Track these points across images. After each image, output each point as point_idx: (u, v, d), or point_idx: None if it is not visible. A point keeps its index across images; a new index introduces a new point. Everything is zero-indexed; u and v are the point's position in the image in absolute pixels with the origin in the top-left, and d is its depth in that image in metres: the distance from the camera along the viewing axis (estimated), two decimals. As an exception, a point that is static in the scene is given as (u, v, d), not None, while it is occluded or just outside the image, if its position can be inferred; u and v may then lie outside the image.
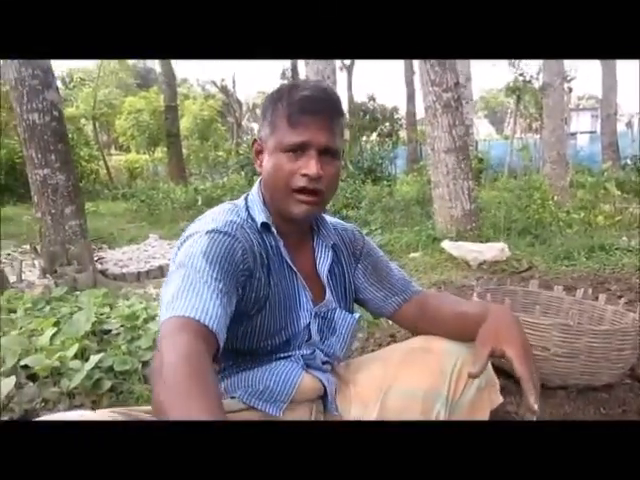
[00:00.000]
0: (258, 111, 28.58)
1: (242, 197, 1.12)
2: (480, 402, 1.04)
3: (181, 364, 0.70)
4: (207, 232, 0.94)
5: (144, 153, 20.19)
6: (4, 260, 4.72)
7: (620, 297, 2.20)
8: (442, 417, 1.01)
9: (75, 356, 1.87)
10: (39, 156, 3.68)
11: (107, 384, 1.84)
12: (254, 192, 1.10)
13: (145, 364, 2.07)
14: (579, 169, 9.26)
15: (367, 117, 16.81)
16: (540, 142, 10.41)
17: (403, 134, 17.41)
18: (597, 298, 1.77)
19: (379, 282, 1.16)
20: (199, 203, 6.94)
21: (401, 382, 1.04)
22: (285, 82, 1.23)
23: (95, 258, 4.39)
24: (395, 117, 17.91)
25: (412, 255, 3.98)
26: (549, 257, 3.74)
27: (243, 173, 7.77)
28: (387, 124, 17.69)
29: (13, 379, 1.62)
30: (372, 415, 1.04)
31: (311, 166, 0.97)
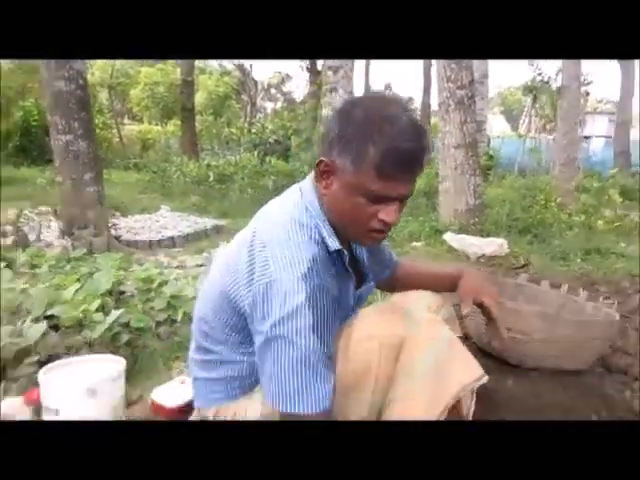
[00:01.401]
0: (273, 91, 28.46)
1: (297, 199, 1.10)
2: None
3: None
4: (307, 299, 0.95)
5: (157, 125, 20.26)
6: (21, 220, 4.89)
7: (607, 298, 2.32)
8: None
9: (96, 310, 2.04)
10: (63, 122, 3.82)
11: (125, 337, 2.01)
12: (314, 204, 1.08)
13: (159, 324, 2.24)
14: (589, 173, 9.31)
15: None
16: (552, 143, 10.43)
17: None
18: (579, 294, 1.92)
19: (377, 256, 1.33)
20: (210, 179, 7.08)
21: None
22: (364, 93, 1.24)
23: (109, 224, 4.56)
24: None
25: (414, 244, 4.12)
26: (546, 256, 3.87)
27: (255, 152, 7.89)
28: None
29: (44, 325, 1.79)
30: None
31: (392, 215, 1.00)
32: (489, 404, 1.60)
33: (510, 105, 32.47)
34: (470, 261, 3.65)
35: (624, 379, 1.71)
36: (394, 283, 1.41)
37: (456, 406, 1.10)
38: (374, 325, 1.11)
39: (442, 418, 1.06)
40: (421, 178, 7.73)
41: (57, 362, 1.52)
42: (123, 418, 1.47)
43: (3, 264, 2.58)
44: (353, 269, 1.18)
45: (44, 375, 1.39)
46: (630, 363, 1.86)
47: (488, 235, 4.29)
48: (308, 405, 0.95)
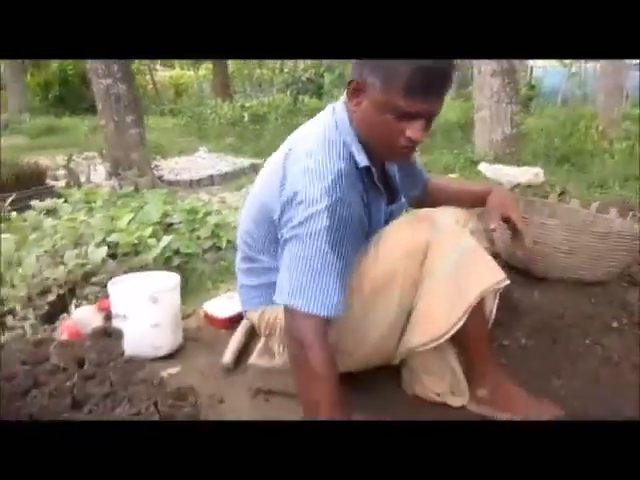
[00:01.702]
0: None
1: (330, 118, 1.15)
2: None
3: (330, 374, 1.02)
4: (326, 207, 1.02)
5: (188, 70, 20.10)
6: (71, 165, 5.16)
7: (642, 220, 2.32)
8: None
9: (149, 237, 2.23)
10: (102, 66, 3.94)
11: (176, 261, 2.21)
12: (345, 122, 1.13)
13: (205, 251, 2.42)
14: (638, 102, 8.80)
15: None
16: (598, 71, 9.83)
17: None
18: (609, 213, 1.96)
19: (409, 173, 1.41)
20: (245, 120, 7.14)
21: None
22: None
23: (151, 166, 4.75)
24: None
25: (449, 176, 4.14)
26: (584, 185, 3.83)
27: (288, 92, 7.85)
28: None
29: (105, 248, 1.99)
30: None
31: (418, 133, 1.05)
32: (515, 313, 1.72)
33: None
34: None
35: (647, 290, 1.78)
36: (425, 199, 1.48)
37: (479, 307, 1.18)
38: (401, 233, 1.19)
39: (464, 318, 1.14)
40: (455, 110, 7.54)
41: (123, 276, 1.72)
42: (181, 326, 1.67)
43: (61, 200, 2.80)
44: (384, 186, 1.25)
45: (113, 286, 1.59)
46: (657, 277, 1.92)
47: (525, 165, 4.24)
48: (305, 303, 1.03)
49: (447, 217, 1.21)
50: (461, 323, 1.13)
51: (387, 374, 1.36)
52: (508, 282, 1.21)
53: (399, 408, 1.29)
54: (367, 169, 1.15)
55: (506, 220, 1.33)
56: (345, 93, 1.15)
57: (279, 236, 1.15)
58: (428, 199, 1.47)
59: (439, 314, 1.15)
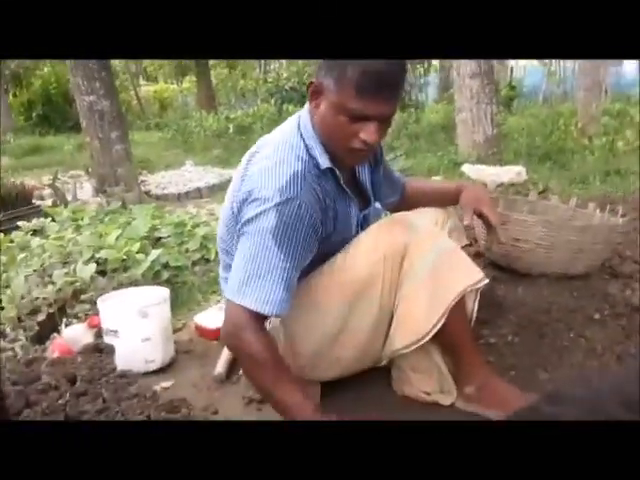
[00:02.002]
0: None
1: (294, 124, 1.16)
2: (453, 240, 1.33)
3: (268, 357, 1.02)
4: (276, 205, 1.02)
5: (172, 83, 20.12)
6: (56, 184, 5.15)
7: (623, 215, 2.36)
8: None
9: (137, 252, 2.24)
10: (85, 83, 3.95)
11: (165, 275, 2.22)
12: (307, 126, 1.14)
13: (194, 263, 2.44)
14: (619, 97, 8.95)
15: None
16: (577, 68, 9.99)
17: (436, 61, 16.77)
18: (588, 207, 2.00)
19: (389, 179, 1.44)
20: (230, 131, 7.17)
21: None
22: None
23: (138, 181, 4.76)
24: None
25: (433, 178, 4.18)
26: (565, 181, 3.89)
27: (272, 101, 7.90)
28: (419, 50, 17.03)
29: (94, 265, 2.00)
30: None
31: (371, 135, 1.04)
32: (499, 309, 1.75)
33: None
34: (488, 190, 3.71)
35: (628, 282, 1.82)
36: (403, 203, 1.49)
37: (460, 306, 1.19)
38: (379, 236, 1.18)
39: (444, 318, 1.15)
40: (438, 113, 7.63)
41: (112, 292, 1.73)
42: (172, 339, 1.68)
43: (48, 220, 2.81)
44: (355, 191, 1.25)
45: (102, 302, 1.60)
46: (636, 269, 1.96)
47: (507, 164, 4.31)
48: (243, 297, 1.03)
49: (423, 218, 1.22)
50: (441, 323, 1.14)
51: (378, 374, 1.38)
52: (487, 281, 1.23)
53: (389, 408, 1.32)
54: (331, 171, 1.15)
55: (479, 215, 1.35)
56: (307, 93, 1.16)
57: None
58: (406, 203, 1.48)
59: (419, 315, 1.16)
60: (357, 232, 1.26)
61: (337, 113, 1.05)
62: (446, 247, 1.18)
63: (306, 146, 1.12)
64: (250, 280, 1.03)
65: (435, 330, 1.15)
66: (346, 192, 1.21)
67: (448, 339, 1.22)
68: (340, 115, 1.05)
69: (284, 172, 1.06)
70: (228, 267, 1.29)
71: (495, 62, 4.83)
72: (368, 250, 1.17)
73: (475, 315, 1.30)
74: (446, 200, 1.42)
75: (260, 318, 1.05)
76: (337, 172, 1.15)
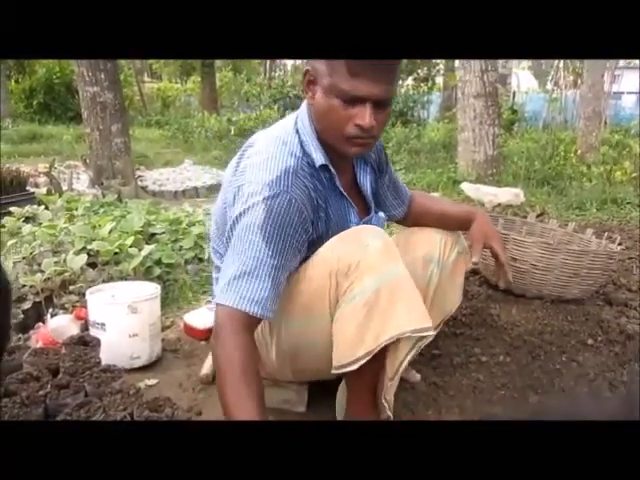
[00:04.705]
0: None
1: (291, 120, 1.13)
2: (459, 263, 1.31)
3: (235, 364, 0.90)
4: (264, 199, 0.97)
5: (176, 82, 20.16)
6: (52, 172, 5.10)
7: (620, 244, 2.38)
8: (435, 274, 1.25)
9: (131, 246, 2.21)
10: (89, 74, 3.93)
11: (157, 271, 2.18)
12: (305, 121, 1.10)
13: (187, 261, 2.41)
14: (617, 129, 9.08)
15: (404, 59, 16.31)
16: (578, 97, 10.12)
17: (440, 80, 16.96)
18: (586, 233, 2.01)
19: (394, 190, 1.39)
20: (232, 133, 7.16)
21: (405, 254, 1.18)
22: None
23: (135, 176, 4.72)
24: (433, 62, 17.39)
25: (432, 194, 4.19)
26: (562, 206, 3.92)
27: (276, 107, 7.91)
28: (424, 68, 17.24)
29: (85, 257, 1.97)
30: None
31: (365, 118, 0.99)
32: (493, 329, 1.74)
33: (540, 60, 31.09)
34: (485, 209, 3.73)
35: (622, 309, 1.82)
36: (407, 218, 1.43)
37: (395, 350, 1.04)
38: (335, 248, 1.06)
39: (369, 357, 0.99)
40: (439, 131, 7.68)
41: (102, 285, 1.69)
42: (160, 336, 1.65)
43: (41, 207, 2.77)
44: (354, 196, 1.20)
45: (91, 295, 1.57)
46: (631, 298, 1.97)
47: (505, 186, 4.33)
48: (229, 297, 0.94)
49: (383, 238, 1.06)
50: (364, 360, 1.00)
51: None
52: (432, 335, 1.05)
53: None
54: (326, 170, 1.11)
55: (489, 248, 1.31)
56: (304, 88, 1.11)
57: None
58: (410, 218, 1.42)
59: (344, 344, 1.03)
60: None
61: (331, 97, 1.01)
62: (395, 277, 1.01)
63: (301, 142, 1.09)
64: (236, 278, 0.97)
65: (357, 365, 1.01)
66: (342, 194, 1.15)
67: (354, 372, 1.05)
68: (333, 98, 1.00)
69: (275, 167, 1.03)
70: (217, 268, 1.25)
71: (499, 85, 4.87)
72: (323, 261, 1.07)
73: (404, 366, 1.08)
74: (452, 225, 1.35)
75: (242, 318, 0.95)
76: (332, 170, 1.11)
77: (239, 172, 1.09)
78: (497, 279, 1.36)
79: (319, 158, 1.08)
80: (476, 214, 1.35)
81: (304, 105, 1.14)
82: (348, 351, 1.02)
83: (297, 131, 1.10)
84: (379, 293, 0.99)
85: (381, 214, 1.32)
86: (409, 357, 1.07)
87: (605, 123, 7.62)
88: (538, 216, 3.68)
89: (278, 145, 1.07)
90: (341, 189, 1.14)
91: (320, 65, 1.01)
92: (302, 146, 1.08)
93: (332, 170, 1.11)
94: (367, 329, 1.00)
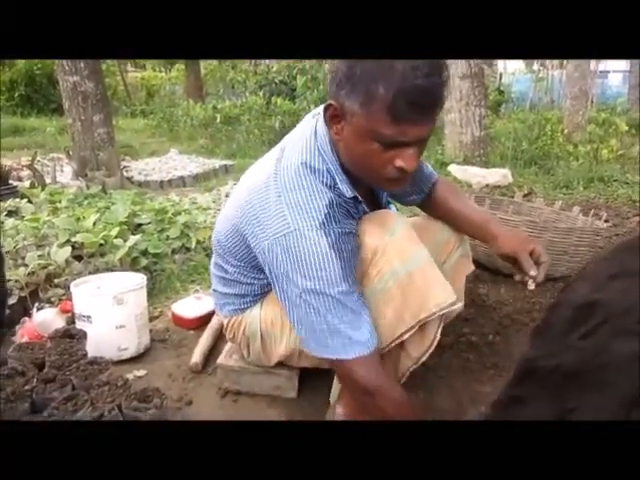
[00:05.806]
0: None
1: (312, 144, 1.02)
2: (461, 266, 1.27)
3: (405, 405, 0.98)
4: (331, 247, 0.94)
5: (160, 71, 19.85)
6: (36, 163, 5.01)
7: (606, 221, 2.39)
8: None
9: (116, 237, 2.18)
10: (69, 63, 3.84)
11: (143, 262, 2.16)
12: (326, 148, 1.01)
13: (174, 251, 2.38)
14: (603, 107, 9.10)
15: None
16: (564, 77, 10.12)
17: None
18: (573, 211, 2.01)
19: (413, 180, 1.24)
20: (217, 121, 7.07)
21: None
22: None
23: (120, 166, 4.66)
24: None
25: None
26: (549, 185, 3.93)
27: (261, 93, 7.81)
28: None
29: (69, 249, 1.94)
30: None
31: (410, 162, 0.91)
32: (482, 309, 1.74)
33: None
34: (473, 190, 3.73)
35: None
36: (424, 206, 1.33)
37: (423, 330, 1.07)
38: (361, 232, 1.06)
39: (405, 337, 1.05)
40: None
41: (87, 277, 1.67)
42: (148, 327, 1.63)
43: (24, 200, 2.72)
44: (370, 203, 1.14)
45: (75, 287, 1.55)
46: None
47: (493, 167, 4.32)
48: (345, 350, 0.95)
49: (405, 225, 1.06)
50: (408, 334, 1.05)
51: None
52: (461, 306, 1.12)
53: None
54: (355, 198, 1.05)
55: (531, 253, 1.15)
56: (323, 116, 1.02)
57: (270, 277, 1.04)
58: (427, 207, 1.32)
59: (385, 326, 1.05)
60: None
61: (367, 140, 0.91)
62: (424, 259, 1.04)
63: (327, 170, 1.01)
64: (341, 330, 0.96)
65: (398, 341, 1.06)
66: (365, 211, 1.10)
67: None
68: (372, 142, 0.90)
69: (319, 205, 0.97)
70: (219, 267, 1.25)
71: (485, 66, 4.85)
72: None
73: (434, 345, 1.11)
74: (469, 230, 1.25)
75: (374, 362, 0.99)
76: (359, 198, 1.05)
77: (276, 215, 0.98)
78: (534, 280, 1.16)
79: (347, 190, 1.02)
80: (499, 230, 1.20)
81: (324, 128, 1.03)
82: (388, 331, 1.04)
83: (320, 153, 1.01)
84: (412, 275, 1.01)
85: (392, 207, 1.29)
86: (438, 335, 1.09)
87: (592, 102, 7.63)
88: (525, 196, 3.69)
89: (308, 175, 1.00)
90: (367, 210, 1.10)
91: (350, 103, 0.90)
92: (329, 174, 1.01)
93: (360, 199, 1.05)
94: (405, 308, 1.02)
